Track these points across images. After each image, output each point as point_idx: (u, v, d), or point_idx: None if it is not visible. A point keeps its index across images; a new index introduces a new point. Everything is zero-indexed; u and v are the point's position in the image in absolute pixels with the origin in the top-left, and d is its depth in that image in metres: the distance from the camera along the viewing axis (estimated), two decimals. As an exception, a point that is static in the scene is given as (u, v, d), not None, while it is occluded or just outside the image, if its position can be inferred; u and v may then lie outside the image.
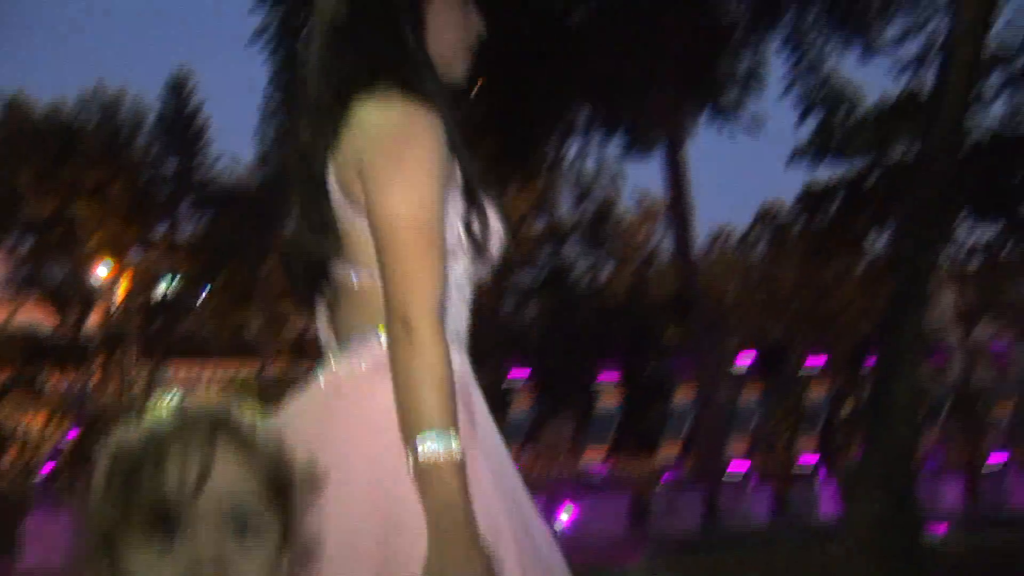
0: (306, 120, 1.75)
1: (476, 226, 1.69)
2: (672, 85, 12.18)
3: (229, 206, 25.78)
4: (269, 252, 25.60)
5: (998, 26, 14.66)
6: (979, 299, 24.72)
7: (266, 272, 25.47)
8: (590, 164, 14.18)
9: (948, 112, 6.83)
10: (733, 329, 26.77)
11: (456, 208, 1.67)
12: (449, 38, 1.76)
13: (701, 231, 29.62)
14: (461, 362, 1.70)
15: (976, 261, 20.40)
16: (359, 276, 1.68)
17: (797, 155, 15.72)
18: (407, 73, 1.67)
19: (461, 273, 1.70)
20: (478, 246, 1.70)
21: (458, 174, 1.68)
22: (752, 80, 13.28)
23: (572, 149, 13.78)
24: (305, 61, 1.77)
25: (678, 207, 12.09)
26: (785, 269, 24.46)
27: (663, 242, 23.24)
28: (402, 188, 1.58)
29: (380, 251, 1.59)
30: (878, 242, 18.44)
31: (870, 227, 17.20)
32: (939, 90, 7.09)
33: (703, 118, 13.66)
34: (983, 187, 15.80)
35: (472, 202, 1.69)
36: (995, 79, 15.45)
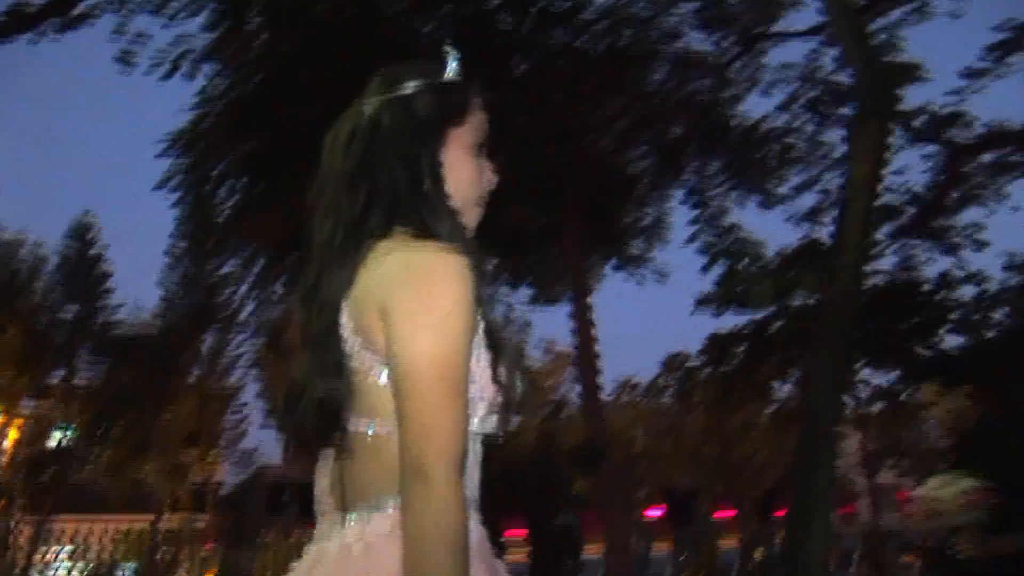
0: (316, 262, 1.70)
1: (503, 378, 1.62)
2: (577, 236, 12.37)
3: (129, 354, 25.13)
4: (169, 401, 24.97)
5: (887, 180, 15.43)
6: (883, 443, 25.09)
7: (165, 422, 24.77)
8: (497, 314, 14.25)
9: (846, 261, 7.03)
10: (643, 479, 26.74)
11: (479, 358, 1.60)
12: (463, 189, 1.74)
13: (609, 379, 29.94)
14: (480, 532, 1.62)
15: (878, 406, 20.76)
16: (375, 427, 1.60)
17: (702, 304, 16.04)
18: (428, 218, 1.64)
19: (476, 429, 1.62)
20: (504, 399, 1.62)
21: (482, 323, 1.62)
22: (656, 231, 13.61)
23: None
24: (313, 207, 1.73)
25: (585, 356, 12.11)
26: (693, 418, 24.61)
27: (572, 392, 23.33)
28: (429, 331, 1.50)
29: (400, 397, 1.50)
30: (784, 389, 18.73)
31: (776, 374, 17.46)
32: (836, 240, 7.32)
33: (609, 268, 13.92)
34: (880, 333, 16.24)
35: (498, 352, 1.63)
36: (886, 230, 16.12)
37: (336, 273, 1.64)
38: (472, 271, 1.56)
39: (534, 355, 27.68)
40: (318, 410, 1.65)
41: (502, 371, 1.63)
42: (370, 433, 1.60)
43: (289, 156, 10.97)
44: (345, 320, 1.61)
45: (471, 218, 1.77)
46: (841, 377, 7.53)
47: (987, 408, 4.44)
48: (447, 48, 1.80)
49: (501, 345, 1.65)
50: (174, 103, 12.47)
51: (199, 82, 11.41)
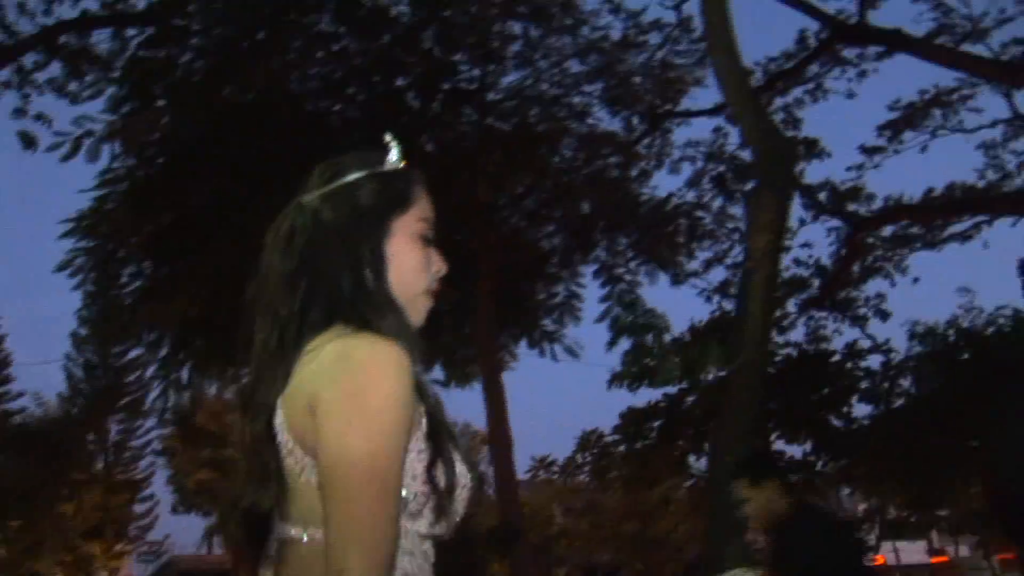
0: (253, 365, 1.61)
1: (441, 478, 1.51)
2: (488, 315, 12.32)
3: (28, 445, 24.22)
4: (68, 495, 24.07)
5: (794, 253, 15.78)
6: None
7: (68, 514, 23.85)
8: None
9: (750, 332, 7.07)
10: (563, 558, 26.48)
11: (420, 457, 1.49)
12: (409, 279, 1.65)
13: (526, 458, 29.73)
14: None
15: (794, 477, 20.91)
16: (309, 533, 1.48)
17: (616, 380, 16.04)
18: (368, 313, 1.56)
19: (424, 531, 1.52)
20: (442, 500, 1.51)
21: (424, 420, 1.51)
22: (568, 308, 13.62)
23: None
24: (251, 305, 1.63)
25: (498, 436, 11.98)
26: (610, 495, 24.52)
27: (487, 473, 23.09)
28: (357, 429, 1.39)
29: (325, 498, 1.40)
30: (701, 463, 18.77)
31: (691, 448, 17.50)
32: (739, 312, 7.38)
33: (523, 346, 13.87)
34: (793, 404, 16.43)
35: (439, 451, 1.52)
36: (794, 303, 16.43)
37: (271, 375, 1.56)
38: (411, 364, 1.47)
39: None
40: (245, 519, 1.57)
41: (450, 467, 1.54)
42: (304, 540, 1.49)
43: (194, 238, 10.79)
44: (280, 420, 1.51)
45: (418, 309, 1.68)
46: (749, 446, 7.54)
47: (794, 503, 4.57)
48: (388, 136, 1.72)
49: (445, 440, 1.55)
50: (79, 183, 12.17)
51: (103, 162, 11.20)
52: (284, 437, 1.50)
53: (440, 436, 1.54)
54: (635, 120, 14.20)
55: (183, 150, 10.99)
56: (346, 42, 11.63)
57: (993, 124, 15.20)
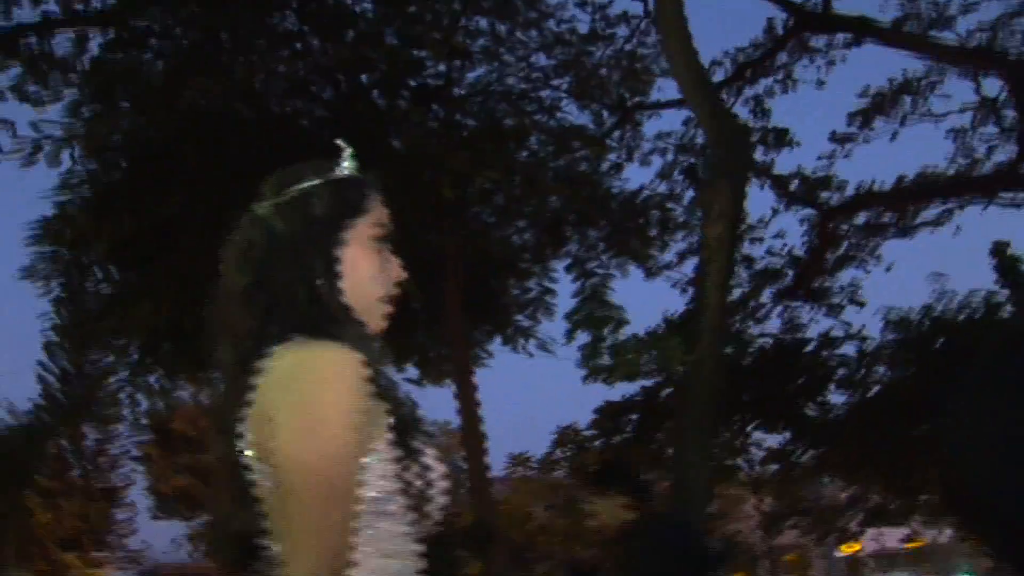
0: (220, 385, 1.62)
1: (413, 479, 1.52)
2: (459, 312, 12.24)
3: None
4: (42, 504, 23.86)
5: (767, 244, 15.80)
6: (781, 504, 25.27)
7: (47, 524, 23.67)
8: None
9: (707, 322, 7.05)
10: (544, 555, 26.42)
11: (388, 458, 1.50)
12: (365, 287, 1.66)
13: (503, 456, 29.70)
14: None
15: (772, 468, 20.96)
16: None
17: (592, 374, 16.01)
18: (324, 323, 1.54)
19: (404, 530, 1.51)
20: (416, 500, 1.52)
21: (389, 422, 1.51)
22: (541, 304, 13.54)
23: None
24: (211, 323, 1.63)
25: (471, 433, 11.90)
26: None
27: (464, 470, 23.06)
28: (308, 437, 1.38)
29: (278, 507, 1.41)
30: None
31: (670, 441, 17.50)
32: (696, 303, 7.37)
33: (497, 343, 13.78)
34: (769, 395, 16.45)
35: (409, 451, 1.52)
36: (768, 294, 16.44)
37: (236, 394, 1.54)
38: (367, 368, 1.45)
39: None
40: (233, 542, 1.57)
41: (423, 465, 1.54)
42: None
43: (159, 243, 10.66)
44: (247, 439, 1.51)
45: (377, 316, 1.67)
46: (709, 439, 7.52)
47: (639, 512, 4.59)
48: (340, 142, 1.71)
49: (416, 439, 1.55)
50: (40, 188, 12.04)
51: (64, 167, 11.03)
52: (251, 455, 1.49)
53: (409, 435, 1.54)
54: (604, 113, 14.17)
55: (146, 154, 10.85)
56: (310, 40, 11.53)
57: (961, 110, 15.23)
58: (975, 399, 1.20)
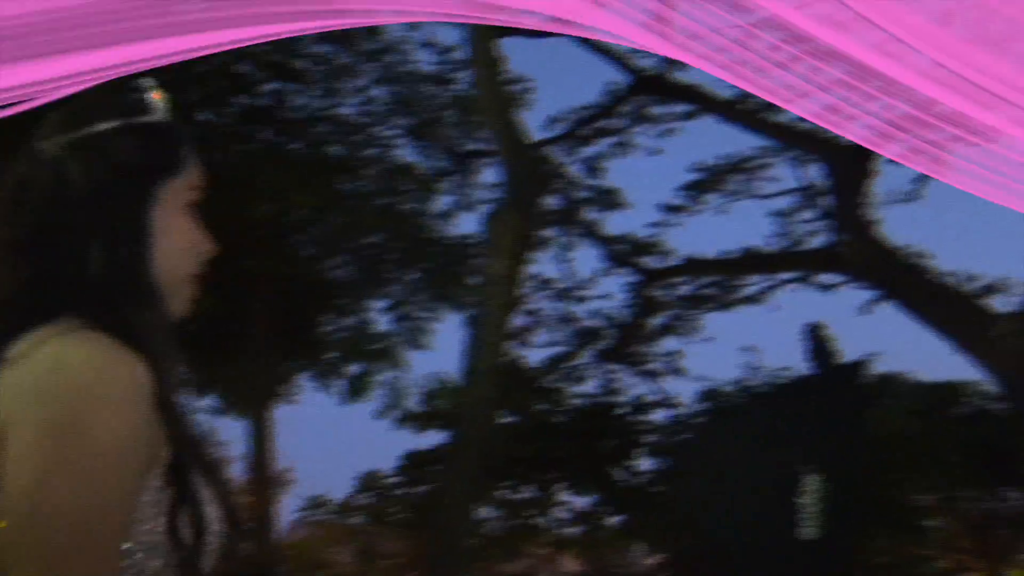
0: None
1: (186, 524, 1.17)
2: (264, 343, 11.78)
3: None
4: None
5: (591, 304, 15.89)
6: (587, 568, 25.29)
7: None
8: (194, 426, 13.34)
9: (483, 363, 6.84)
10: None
11: (156, 499, 1.16)
12: (174, 261, 1.31)
13: (301, 498, 28.89)
14: None
15: (580, 528, 20.97)
16: None
17: (406, 420, 15.67)
18: (117, 299, 1.21)
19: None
20: (186, 551, 1.16)
21: (165, 452, 1.17)
22: (354, 344, 13.20)
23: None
24: None
25: (262, 474, 11.37)
26: (390, 539, 24.07)
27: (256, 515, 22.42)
28: (51, 468, 1.05)
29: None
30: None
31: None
32: (471, 345, 7.16)
33: (302, 382, 13.37)
34: (577, 455, 16.48)
35: (184, 492, 1.18)
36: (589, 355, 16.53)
37: None
38: (153, 378, 1.15)
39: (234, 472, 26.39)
40: None
41: (198, 511, 1.19)
42: None
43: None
44: None
45: (183, 298, 1.33)
46: (477, 495, 7.32)
47: None
48: (148, 81, 1.34)
49: (197, 478, 1.21)
50: None
51: None
52: None
53: (189, 473, 1.21)
54: (439, 156, 14.01)
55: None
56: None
57: (782, 193, 15.68)
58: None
